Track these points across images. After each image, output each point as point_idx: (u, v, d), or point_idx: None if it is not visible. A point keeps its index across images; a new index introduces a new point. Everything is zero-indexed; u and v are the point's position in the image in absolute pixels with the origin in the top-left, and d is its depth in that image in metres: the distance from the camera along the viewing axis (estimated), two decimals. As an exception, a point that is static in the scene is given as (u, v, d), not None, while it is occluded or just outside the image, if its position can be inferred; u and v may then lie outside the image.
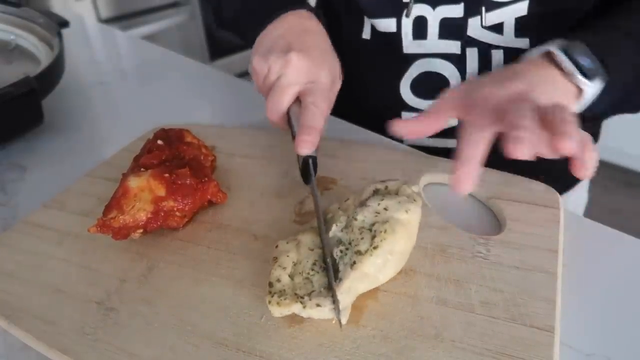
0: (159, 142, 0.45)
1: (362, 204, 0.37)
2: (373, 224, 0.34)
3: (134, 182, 0.40)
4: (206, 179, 0.42)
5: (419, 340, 0.32)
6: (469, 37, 0.53)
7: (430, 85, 0.56)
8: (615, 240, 0.41)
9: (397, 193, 0.37)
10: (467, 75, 0.55)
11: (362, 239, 0.34)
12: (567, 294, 0.35)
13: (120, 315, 0.35)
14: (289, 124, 0.45)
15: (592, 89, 0.41)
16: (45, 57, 0.65)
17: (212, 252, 0.40)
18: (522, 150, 0.31)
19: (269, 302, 0.32)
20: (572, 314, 0.34)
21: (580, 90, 0.41)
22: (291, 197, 0.45)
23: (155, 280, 0.38)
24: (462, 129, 0.36)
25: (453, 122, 0.57)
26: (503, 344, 0.31)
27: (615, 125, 1.97)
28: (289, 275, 0.34)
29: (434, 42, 0.54)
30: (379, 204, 0.35)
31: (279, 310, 0.32)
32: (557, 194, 0.44)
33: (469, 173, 0.34)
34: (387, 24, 0.55)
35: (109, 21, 1.85)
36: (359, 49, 0.59)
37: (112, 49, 0.90)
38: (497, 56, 0.53)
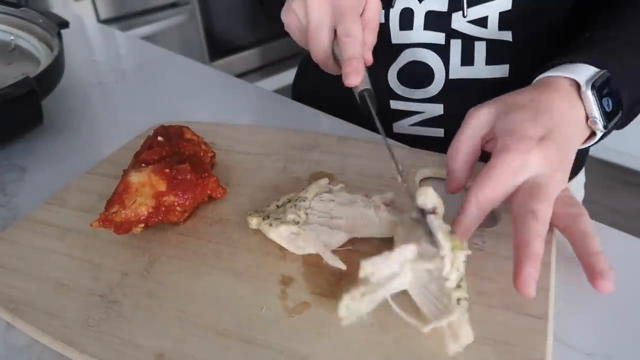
0: (159, 138, 0.46)
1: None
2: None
3: (135, 178, 0.40)
4: (206, 174, 0.43)
5: (416, 329, 0.32)
6: (452, 29, 0.54)
7: (416, 74, 0.58)
8: (615, 240, 0.41)
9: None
10: (450, 66, 0.56)
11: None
12: (567, 294, 0.36)
13: (123, 308, 0.36)
14: (339, 64, 0.44)
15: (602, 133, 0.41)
16: (45, 57, 0.66)
17: (213, 246, 0.40)
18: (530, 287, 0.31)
19: (248, 213, 0.41)
20: (572, 313, 0.35)
21: (592, 132, 0.41)
22: (290, 191, 0.46)
23: (157, 274, 0.38)
24: (515, 216, 0.34)
25: (437, 111, 0.59)
26: (498, 331, 0.32)
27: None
28: (277, 205, 0.42)
29: (419, 32, 0.55)
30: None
31: (248, 219, 0.40)
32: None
33: (535, 271, 0.31)
34: None
35: (108, 21, 1.85)
36: None
37: (112, 49, 0.91)
38: (481, 47, 0.55)
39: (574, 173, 0.67)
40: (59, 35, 0.66)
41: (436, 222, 0.34)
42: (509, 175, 0.35)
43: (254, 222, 0.40)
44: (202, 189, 0.42)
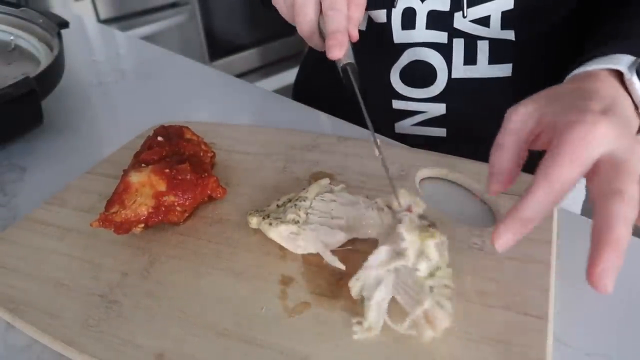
0: (159, 138, 0.46)
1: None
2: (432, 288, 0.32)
3: (135, 178, 0.40)
4: (206, 174, 0.43)
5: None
6: (455, 28, 0.54)
7: (418, 74, 0.58)
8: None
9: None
10: (453, 65, 0.56)
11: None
12: (566, 294, 0.36)
13: (123, 308, 0.36)
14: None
15: None
16: (44, 57, 0.66)
17: (213, 246, 0.40)
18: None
19: (248, 213, 0.41)
20: (571, 313, 0.35)
21: None
22: (290, 191, 0.46)
23: (157, 274, 0.38)
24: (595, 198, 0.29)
25: (439, 111, 0.58)
26: (498, 331, 0.32)
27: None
28: (277, 205, 0.42)
29: (421, 32, 0.55)
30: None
31: (248, 219, 0.40)
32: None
33: (619, 262, 0.27)
34: (378, 15, 0.57)
35: (108, 21, 1.85)
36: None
37: (112, 50, 0.91)
38: (483, 47, 0.55)
39: None
40: (59, 35, 0.66)
41: (405, 218, 0.34)
42: (583, 148, 0.29)
43: (254, 221, 0.40)
44: (202, 189, 0.42)
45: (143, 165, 0.42)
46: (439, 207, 0.43)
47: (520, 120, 0.34)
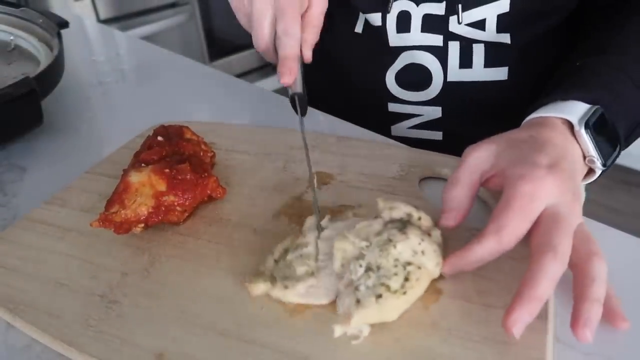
0: (159, 138, 0.46)
1: (401, 228, 0.35)
2: (409, 264, 0.33)
3: (135, 177, 0.40)
4: (206, 174, 0.43)
5: (416, 329, 0.33)
6: (450, 32, 0.54)
7: (413, 77, 0.58)
8: (615, 240, 0.41)
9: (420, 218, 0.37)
10: (449, 68, 0.56)
11: (395, 274, 0.33)
12: (566, 293, 0.36)
13: (123, 308, 0.36)
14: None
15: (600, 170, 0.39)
16: (44, 57, 0.66)
17: (213, 246, 0.40)
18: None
19: (245, 280, 0.36)
20: (571, 312, 0.35)
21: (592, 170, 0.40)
22: (290, 191, 0.46)
23: (156, 274, 0.38)
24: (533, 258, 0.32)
25: (435, 114, 0.59)
26: (498, 331, 0.32)
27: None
28: (275, 260, 0.37)
29: (417, 35, 0.55)
30: (419, 243, 0.34)
31: (250, 287, 0.35)
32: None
33: (530, 317, 0.30)
34: (373, 18, 0.57)
35: (108, 21, 1.85)
36: (350, 42, 0.61)
37: (112, 49, 0.91)
38: (479, 50, 0.55)
39: None
40: (59, 35, 0.66)
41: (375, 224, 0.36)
42: (529, 202, 0.33)
43: (260, 288, 0.35)
44: (202, 188, 0.42)
45: (143, 165, 0.42)
46: (439, 207, 0.43)
47: (478, 158, 0.37)
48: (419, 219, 0.37)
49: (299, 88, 0.43)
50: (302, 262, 0.36)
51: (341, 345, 0.32)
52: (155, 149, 0.44)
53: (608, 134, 0.39)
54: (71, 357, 0.33)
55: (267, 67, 2.50)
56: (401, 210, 0.37)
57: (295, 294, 0.35)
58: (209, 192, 0.43)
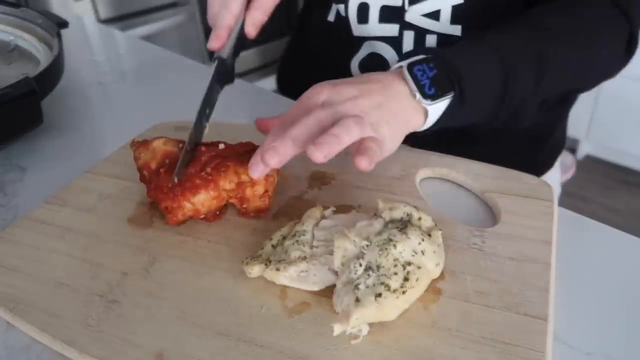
0: (221, 145, 0.46)
1: (401, 228, 0.36)
2: (409, 263, 0.34)
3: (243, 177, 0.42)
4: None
5: (416, 329, 0.33)
6: (406, 22, 0.56)
7: (373, 66, 0.60)
8: (615, 240, 0.41)
9: (419, 218, 0.37)
10: (403, 58, 0.57)
11: (395, 274, 0.33)
12: (566, 293, 0.36)
13: (123, 308, 0.36)
14: None
15: (435, 109, 0.42)
16: (44, 57, 0.66)
17: (213, 246, 0.40)
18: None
19: (242, 262, 0.37)
20: (571, 312, 0.35)
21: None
22: (290, 191, 0.46)
23: (156, 274, 0.38)
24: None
25: None
26: (498, 331, 0.32)
27: (615, 125, 1.95)
28: (272, 245, 0.39)
29: (375, 26, 0.58)
30: (419, 243, 0.35)
31: (246, 269, 0.36)
32: (551, 186, 0.44)
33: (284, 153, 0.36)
34: (340, 8, 0.59)
35: (108, 21, 1.85)
36: (324, 30, 0.64)
37: (112, 49, 0.91)
38: (431, 41, 0.57)
39: (544, 167, 0.67)
40: (59, 35, 0.66)
41: (375, 224, 0.37)
42: (308, 97, 0.40)
43: (254, 270, 0.36)
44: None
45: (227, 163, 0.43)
46: (439, 207, 0.43)
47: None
48: (419, 219, 0.37)
49: (224, 55, 0.48)
50: (297, 247, 0.37)
51: (341, 345, 0.32)
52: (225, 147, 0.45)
53: (442, 81, 0.42)
54: (71, 357, 0.33)
55: (267, 67, 2.50)
56: (401, 210, 0.37)
57: (286, 277, 0.36)
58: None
